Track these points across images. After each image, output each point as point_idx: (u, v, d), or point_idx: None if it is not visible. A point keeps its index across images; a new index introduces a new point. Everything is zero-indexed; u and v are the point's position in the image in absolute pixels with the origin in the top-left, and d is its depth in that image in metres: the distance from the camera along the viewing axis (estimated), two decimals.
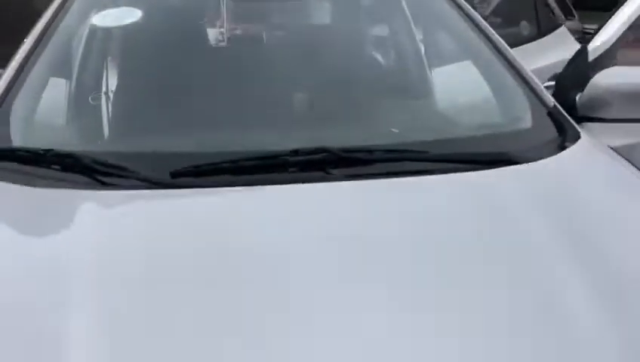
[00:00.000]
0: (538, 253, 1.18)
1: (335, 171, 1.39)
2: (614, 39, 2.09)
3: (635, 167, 1.60)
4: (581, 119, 1.92)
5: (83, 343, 0.96)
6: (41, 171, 1.39)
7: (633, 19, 2.09)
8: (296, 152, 1.40)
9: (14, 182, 1.35)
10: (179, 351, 0.95)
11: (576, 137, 1.64)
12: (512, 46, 3.36)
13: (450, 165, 1.46)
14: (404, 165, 1.45)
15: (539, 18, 3.40)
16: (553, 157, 1.53)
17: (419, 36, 2.21)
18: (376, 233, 1.22)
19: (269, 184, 1.37)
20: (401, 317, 1.02)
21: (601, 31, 2.14)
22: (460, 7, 2.02)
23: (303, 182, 1.36)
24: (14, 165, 1.41)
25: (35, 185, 1.34)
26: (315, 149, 1.41)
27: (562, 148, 1.59)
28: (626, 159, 1.61)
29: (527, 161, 1.50)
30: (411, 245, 1.21)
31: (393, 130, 1.67)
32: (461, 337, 0.98)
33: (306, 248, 1.17)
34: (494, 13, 3.45)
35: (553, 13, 3.70)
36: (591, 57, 2.08)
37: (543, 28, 3.38)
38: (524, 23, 3.42)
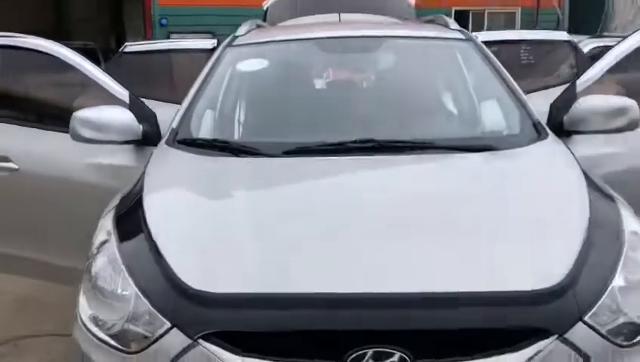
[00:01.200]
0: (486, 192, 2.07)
1: (377, 151, 2.34)
2: (596, 77, 2.90)
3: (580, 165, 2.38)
4: (568, 133, 2.76)
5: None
6: (209, 150, 2.46)
7: (610, 65, 2.89)
8: (355, 141, 2.37)
9: (197, 154, 2.42)
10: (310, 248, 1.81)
11: (544, 139, 2.48)
12: (552, 86, 4.11)
13: (454, 151, 2.37)
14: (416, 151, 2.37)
15: (578, 65, 4.15)
16: (522, 148, 2.40)
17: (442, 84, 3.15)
18: (394, 181, 2.17)
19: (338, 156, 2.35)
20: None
21: (587, 71, 2.96)
22: (488, 59, 2.95)
23: (358, 155, 2.33)
24: (196, 148, 2.48)
25: (207, 155, 2.40)
26: (366, 140, 2.37)
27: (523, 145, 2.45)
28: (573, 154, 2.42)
29: (506, 149, 2.38)
30: (421, 188, 2.14)
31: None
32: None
33: (356, 181, 2.19)
34: (538, 59, 4.27)
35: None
36: (578, 90, 2.88)
37: (581, 73, 4.11)
38: (564, 67, 4.20)
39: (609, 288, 1.61)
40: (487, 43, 4.21)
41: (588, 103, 2.69)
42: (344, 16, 4.59)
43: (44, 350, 3.44)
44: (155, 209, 1.98)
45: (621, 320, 1.60)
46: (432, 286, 1.57)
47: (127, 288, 1.69)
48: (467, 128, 2.77)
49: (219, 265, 1.70)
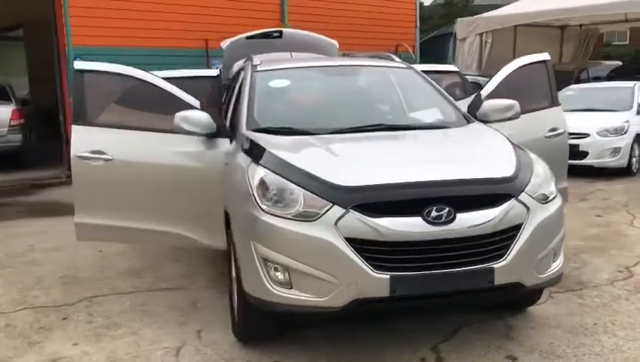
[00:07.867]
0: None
1: (383, 129, 3.99)
2: (491, 89, 4.74)
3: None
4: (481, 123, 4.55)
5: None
6: (275, 133, 3.90)
7: (495, 84, 4.76)
8: (372, 125, 3.97)
9: (272, 134, 3.86)
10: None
11: (472, 122, 4.25)
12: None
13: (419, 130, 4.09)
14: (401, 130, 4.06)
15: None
16: (457, 128, 4.17)
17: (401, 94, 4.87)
18: (398, 139, 3.90)
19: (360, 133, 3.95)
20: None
21: (487, 85, 4.80)
22: (426, 80, 4.71)
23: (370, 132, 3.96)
24: (263, 133, 3.91)
25: (277, 135, 3.85)
26: (377, 124, 3.99)
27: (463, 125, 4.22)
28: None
29: (448, 128, 4.14)
30: (412, 139, 3.93)
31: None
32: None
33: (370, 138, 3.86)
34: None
35: None
36: (483, 96, 4.70)
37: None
38: (453, 88, 6.03)
39: (530, 180, 3.35)
40: None
41: (490, 104, 4.50)
42: (294, 54, 6.16)
43: (118, 301, 4.51)
44: (280, 152, 3.48)
45: (538, 193, 3.34)
46: (460, 176, 3.27)
47: (294, 191, 3.12)
48: (423, 119, 4.54)
49: (342, 172, 3.24)
